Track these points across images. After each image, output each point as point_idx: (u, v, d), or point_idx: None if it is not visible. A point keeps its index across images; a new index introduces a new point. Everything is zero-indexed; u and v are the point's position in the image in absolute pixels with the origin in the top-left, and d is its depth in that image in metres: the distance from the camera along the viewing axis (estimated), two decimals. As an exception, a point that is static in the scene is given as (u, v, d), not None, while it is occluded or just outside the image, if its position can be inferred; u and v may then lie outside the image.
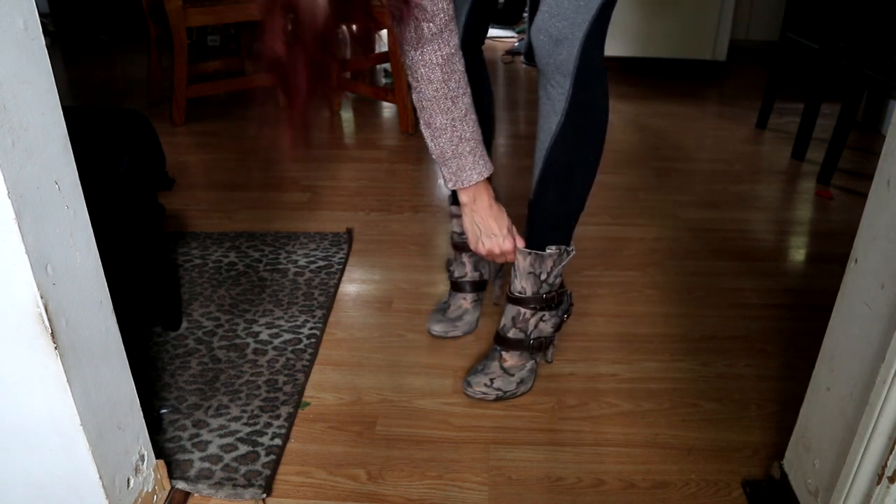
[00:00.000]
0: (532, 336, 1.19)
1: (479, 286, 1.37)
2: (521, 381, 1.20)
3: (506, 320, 1.21)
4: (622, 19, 3.31)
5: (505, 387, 1.19)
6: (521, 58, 3.69)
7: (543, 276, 1.17)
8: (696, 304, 1.47)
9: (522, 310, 1.18)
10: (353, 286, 1.55)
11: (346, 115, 2.82)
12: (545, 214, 1.17)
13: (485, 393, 1.19)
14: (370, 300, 1.49)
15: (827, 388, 0.86)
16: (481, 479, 1.03)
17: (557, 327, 1.22)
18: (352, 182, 2.12)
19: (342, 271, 1.59)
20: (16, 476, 0.81)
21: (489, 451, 1.08)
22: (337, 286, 1.53)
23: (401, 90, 2.52)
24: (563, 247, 1.17)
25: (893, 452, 0.72)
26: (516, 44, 3.99)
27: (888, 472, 0.73)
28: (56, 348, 0.71)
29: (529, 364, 1.21)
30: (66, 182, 0.73)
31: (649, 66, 3.37)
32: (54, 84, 0.70)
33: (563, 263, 1.18)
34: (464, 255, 1.35)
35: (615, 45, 3.37)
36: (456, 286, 1.38)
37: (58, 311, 0.71)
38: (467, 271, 1.36)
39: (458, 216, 1.27)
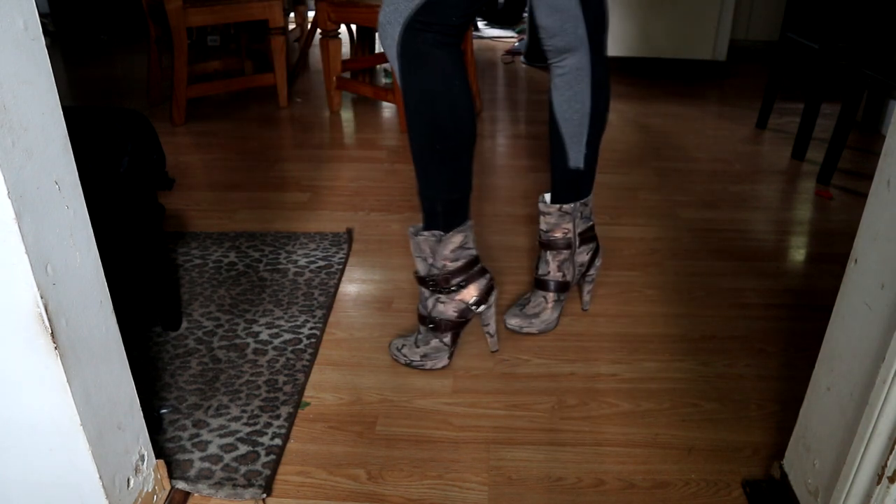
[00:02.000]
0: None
1: (562, 287, 1.36)
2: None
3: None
4: (622, 19, 3.31)
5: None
6: (521, 58, 3.69)
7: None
8: (696, 304, 1.47)
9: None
10: (353, 286, 1.55)
11: (346, 115, 2.83)
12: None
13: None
14: (370, 300, 1.49)
15: (827, 388, 0.86)
16: (481, 479, 1.03)
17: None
18: (352, 182, 2.12)
19: (342, 271, 1.59)
20: (16, 476, 0.81)
21: (489, 451, 1.08)
22: (337, 286, 1.53)
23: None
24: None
25: (893, 452, 0.72)
26: (516, 44, 3.99)
27: (888, 472, 0.73)
28: (56, 348, 0.71)
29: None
30: (66, 182, 0.73)
31: (649, 66, 3.37)
32: (54, 84, 0.70)
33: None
34: (548, 253, 1.35)
35: (615, 45, 3.37)
36: (539, 283, 1.38)
37: (58, 311, 0.71)
38: (550, 270, 1.35)
39: (545, 213, 1.32)
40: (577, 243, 1.35)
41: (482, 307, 1.24)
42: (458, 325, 1.25)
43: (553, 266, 1.35)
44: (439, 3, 1.03)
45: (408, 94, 1.10)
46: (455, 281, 1.21)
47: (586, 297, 1.43)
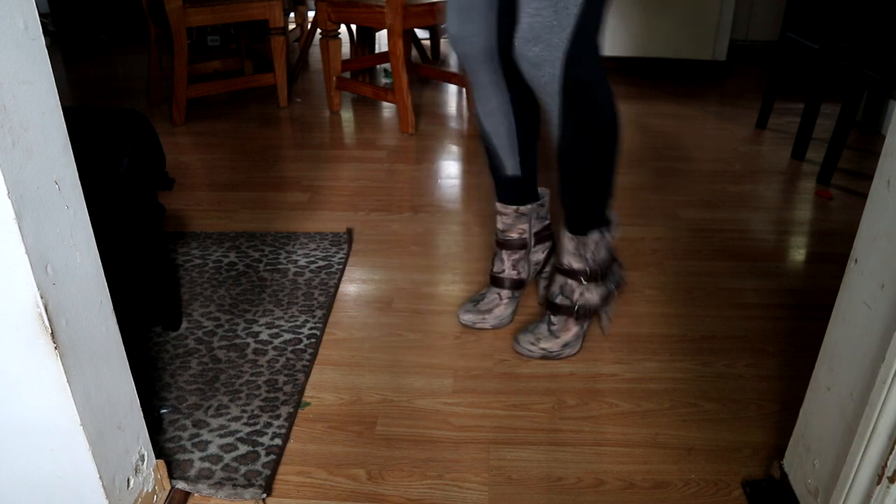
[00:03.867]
0: (578, 304, 1.27)
1: (516, 284, 1.39)
2: (567, 345, 1.28)
3: (555, 288, 1.29)
4: (622, 19, 3.31)
5: (550, 347, 1.28)
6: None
7: (589, 256, 1.24)
8: (696, 304, 1.47)
9: (569, 280, 1.27)
10: (353, 286, 1.55)
11: (346, 115, 2.83)
12: (574, 209, 1.23)
13: (530, 350, 1.28)
14: (370, 300, 1.49)
15: (827, 388, 0.86)
16: (481, 479, 1.03)
17: (606, 299, 1.30)
18: (352, 182, 2.12)
19: (342, 271, 1.59)
20: (16, 476, 0.81)
21: (489, 451, 1.08)
22: (337, 286, 1.53)
23: (401, 90, 2.52)
24: (602, 229, 1.23)
25: (893, 452, 0.72)
26: (516, 44, 3.99)
27: (888, 472, 0.73)
28: (56, 348, 0.71)
29: (575, 329, 1.28)
30: (66, 182, 0.73)
31: (649, 66, 3.37)
32: (54, 84, 0.70)
33: (605, 241, 1.25)
34: (503, 252, 1.37)
35: (615, 45, 3.37)
36: (494, 280, 1.40)
37: (58, 311, 0.71)
38: (505, 268, 1.38)
39: (502, 214, 1.34)
40: (533, 243, 1.38)
41: (620, 291, 1.31)
42: (598, 311, 1.30)
43: (508, 264, 1.37)
44: (587, 32, 1.02)
45: (571, 124, 1.10)
46: (606, 268, 1.27)
47: (542, 292, 1.45)
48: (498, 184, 1.33)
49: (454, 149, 2.40)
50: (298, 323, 1.39)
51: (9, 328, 0.70)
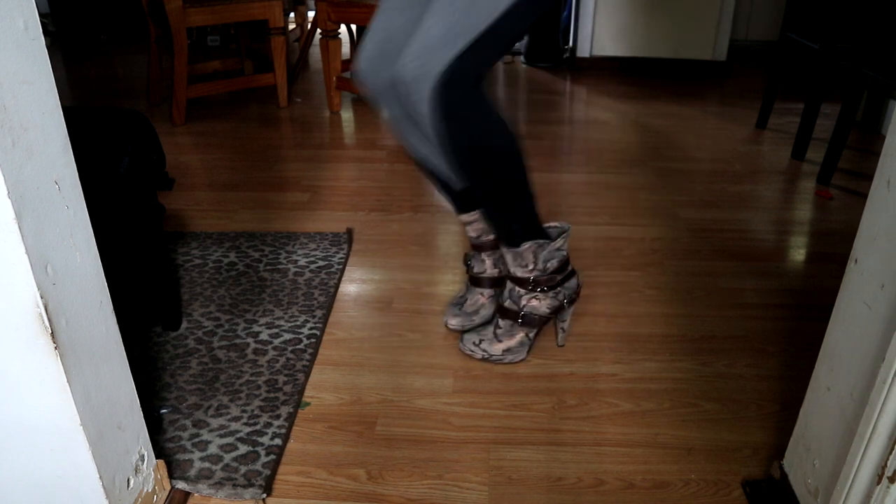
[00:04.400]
0: (523, 310, 1.26)
1: (497, 282, 1.38)
2: (509, 350, 1.27)
3: (505, 292, 1.29)
4: (622, 19, 3.31)
5: (491, 350, 1.28)
6: (521, 58, 3.70)
7: (530, 266, 1.22)
8: (696, 304, 1.47)
9: (516, 287, 1.26)
10: (353, 286, 1.55)
11: (346, 115, 2.83)
12: (497, 225, 1.22)
13: (472, 350, 1.29)
14: (370, 300, 1.49)
15: (827, 388, 0.86)
16: (481, 479, 1.03)
17: (555, 310, 1.27)
18: (352, 182, 2.12)
19: (342, 271, 1.59)
20: (16, 476, 0.81)
21: (489, 451, 1.08)
22: (337, 286, 1.53)
23: (401, 90, 2.51)
24: (538, 241, 1.20)
25: (893, 452, 0.72)
26: (517, 44, 3.99)
27: (888, 472, 0.73)
28: (56, 348, 0.71)
29: (519, 336, 1.27)
30: (66, 182, 0.73)
31: (649, 66, 3.37)
32: (54, 84, 0.70)
33: (546, 251, 1.22)
34: (482, 253, 1.37)
35: (615, 45, 3.37)
36: (474, 281, 1.39)
37: (58, 311, 0.71)
38: (486, 268, 1.37)
39: (469, 223, 1.32)
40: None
41: (573, 304, 1.29)
42: (546, 321, 1.29)
43: (489, 263, 1.37)
44: (475, 59, 0.97)
45: (454, 148, 1.05)
46: (556, 279, 1.25)
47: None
48: (454, 198, 1.29)
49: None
50: (298, 323, 1.39)
51: (9, 328, 0.70)
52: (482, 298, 1.38)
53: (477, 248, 1.36)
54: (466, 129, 1.04)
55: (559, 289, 1.26)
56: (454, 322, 1.37)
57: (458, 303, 1.40)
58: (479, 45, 0.97)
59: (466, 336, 1.31)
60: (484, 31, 0.97)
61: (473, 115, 1.04)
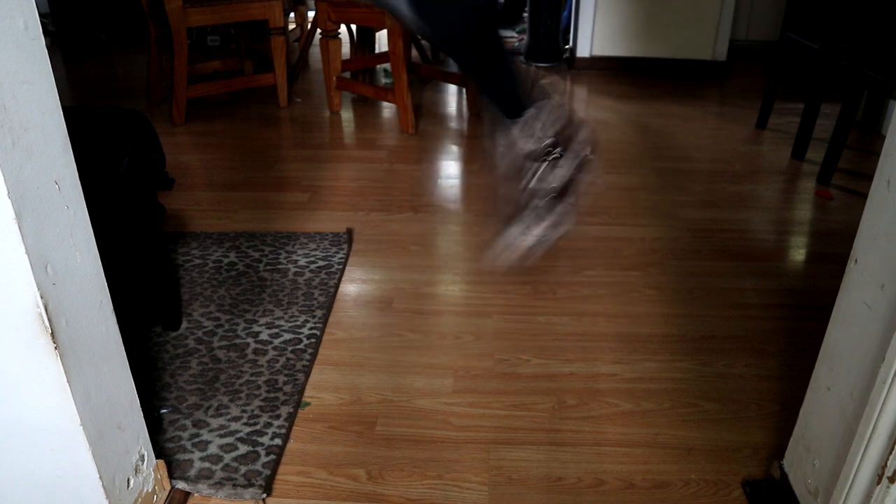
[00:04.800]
0: (552, 183, 1.20)
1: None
2: (556, 223, 1.20)
3: (529, 175, 1.20)
4: (622, 19, 3.31)
5: (539, 232, 1.19)
6: (521, 58, 3.70)
7: (537, 134, 1.17)
8: (696, 304, 1.47)
9: (536, 165, 1.19)
10: (353, 286, 1.55)
11: (346, 115, 2.83)
12: (492, 100, 1.18)
13: (518, 244, 1.19)
14: (370, 300, 1.49)
15: (827, 388, 0.86)
16: (481, 479, 1.03)
17: (579, 167, 1.21)
18: (352, 182, 2.12)
19: (342, 271, 1.59)
20: (16, 476, 0.81)
21: (489, 451, 1.08)
22: (337, 286, 1.53)
23: (401, 90, 2.52)
24: (535, 106, 1.16)
25: (893, 452, 0.72)
26: (516, 44, 3.99)
27: (888, 472, 0.73)
28: (56, 348, 0.71)
29: (560, 208, 1.20)
30: (66, 182, 0.73)
31: (649, 66, 3.37)
32: (54, 84, 0.70)
33: (545, 112, 1.17)
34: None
35: (615, 45, 3.37)
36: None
37: (58, 311, 0.71)
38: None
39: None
40: None
41: (592, 156, 1.22)
42: (575, 182, 1.21)
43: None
44: None
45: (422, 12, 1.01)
46: (568, 136, 1.19)
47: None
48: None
49: (454, 149, 2.40)
50: (298, 323, 1.39)
51: (9, 328, 0.70)
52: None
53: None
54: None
55: (573, 145, 1.21)
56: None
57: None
58: None
59: (510, 232, 1.20)
60: None
61: None
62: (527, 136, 1.17)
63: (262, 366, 1.26)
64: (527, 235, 1.19)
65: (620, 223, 1.84)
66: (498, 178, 1.28)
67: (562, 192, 1.21)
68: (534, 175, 1.21)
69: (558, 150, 1.19)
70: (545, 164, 1.20)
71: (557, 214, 1.20)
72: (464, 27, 1.07)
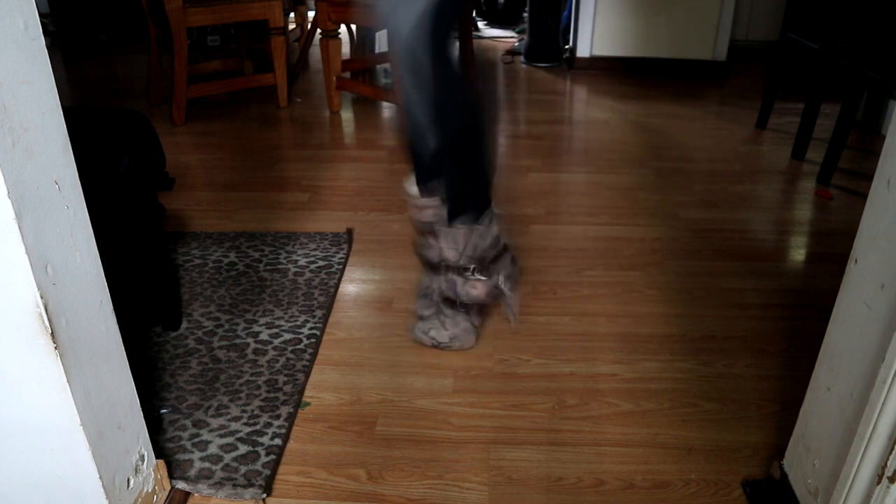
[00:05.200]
0: (461, 297, 1.29)
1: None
2: (455, 338, 1.31)
3: (442, 279, 1.31)
4: (622, 19, 3.31)
5: (438, 338, 1.31)
6: (521, 58, 3.69)
7: (460, 248, 1.26)
8: (696, 304, 1.47)
9: (450, 273, 1.29)
10: (353, 286, 1.55)
11: (346, 115, 2.83)
12: (446, 195, 1.24)
13: (421, 338, 1.33)
14: (370, 300, 1.49)
15: (827, 388, 0.86)
16: (481, 479, 1.03)
17: (492, 294, 1.31)
18: (352, 182, 2.12)
19: (342, 271, 1.59)
20: (16, 476, 0.81)
21: (489, 451, 1.08)
22: (337, 286, 1.53)
23: (401, 90, 2.51)
24: (469, 222, 1.24)
25: (893, 452, 0.72)
26: (516, 44, 4.00)
27: (888, 472, 0.73)
28: (56, 348, 0.71)
29: (464, 324, 1.31)
30: (66, 182, 0.73)
31: (649, 66, 3.37)
32: (54, 84, 0.70)
33: (475, 234, 1.25)
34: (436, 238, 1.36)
35: (615, 45, 3.37)
36: (435, 268, 1.37)
37: (58, 311, 0.71)
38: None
39: (429, 207, 1.30)
40: None
41: (511, 288, 1.31)
42: (486, 306, 1.32)
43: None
44: (435, 13, 1.06)
45: (417, 101, 1.13)
46: (490, 265, 1.28)
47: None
48: (423, 175, 1.29)
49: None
50: (298, 323, 1.39)
51: (9, 328, 0.70)
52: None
53: (431, 233, 1.35)
54: (427, 82, 1.10)
55: (492, 271, 1.29)
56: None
57: (428, 293, 1.40)
58: (437, 7, 1.05)
59: (418, 324, 1.33)
60: None
61: (430, 72, 1.10)
62: (450, 245, 1.25)
63: (262, 366, 1.26)
64: (425, 336, 1.32)
65: (620, 223, 1.84)
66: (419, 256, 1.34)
67: (466, 310, 1.30)
68: (446, 283, 1.30)
69: (474, 272, 1.27)
70: (460, 279, 1.29)
71: (459, 331, 1.31)
72: (461, 133, 1.17)
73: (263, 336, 1.35)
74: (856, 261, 0.79)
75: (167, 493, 0.98)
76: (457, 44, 1.29)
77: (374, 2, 1.12)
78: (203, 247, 1.69)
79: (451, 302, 1.30)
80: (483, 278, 1.28)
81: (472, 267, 1.26)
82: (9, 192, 0.63)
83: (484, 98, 1.21)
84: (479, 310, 1.32)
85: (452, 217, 1.23)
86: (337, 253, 1.66)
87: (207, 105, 2.88)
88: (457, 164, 1.21)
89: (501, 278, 1.30)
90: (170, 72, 2.64)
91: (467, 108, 1.18)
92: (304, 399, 1.20)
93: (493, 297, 1.30)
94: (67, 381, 0.73)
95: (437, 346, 1.31)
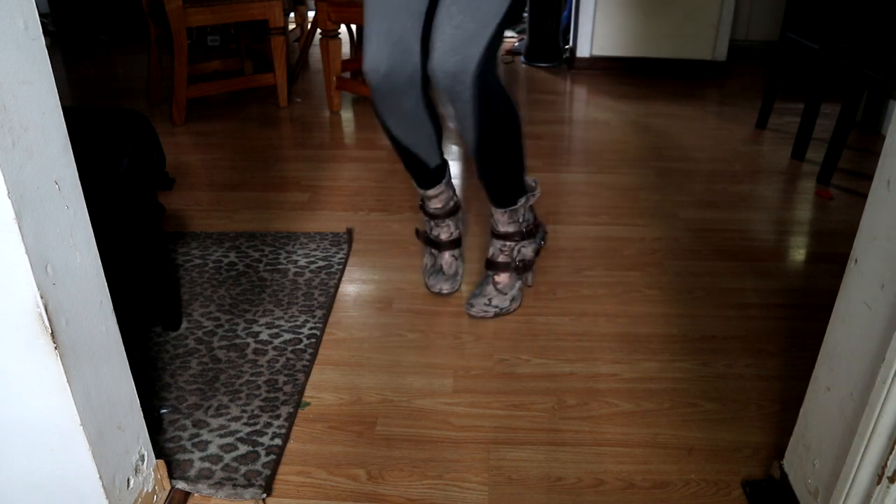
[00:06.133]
0: (517, 259, 1.43)
1: (458, 242, 1.54)
2: (513, 299, 1.43)
3: (493, 250, 1.44)
4: (622, 19, 3.31)
5: (501, 304, 1.42)
6: (521, 58, 3.69)
7: (520, 219, 1.41)
8: (696, 304, 1.47)
9: (507, 242, 1.42)
10: (353, 286, 1.55)
11: (346, 115, 2.83)
12: (500, 189, 1.36)
13: (485, 311, 1.41)
14: (370, 300, 1.49)
15: (827, 388, 0.86)
16: (481, 479, 1.03)
17: (537, 252, 1.48)
18: (352, 182, 2.12)
19: (342, 271, 1.59)
20: (16, 476, 0.81)
21: (489, 451, 1.08)
22: (337, 286, 1.53)
23: (401, 90, 2.51)
24: (528, 195, 1.40)
25: (893, 452, 0.72)
26: (516, 44, 3.99)
27: (888, 472, 0.73)
28: (56, 348, 0.71)
29: (517, 284, 1.44)
30: (66, 182, 0.73)
31: (649, 66, 3.37)
32: (54, 84, 0.70)
33: (530, 203, 1.42)
34: (448, 219, 1.50)
35: (615, 46, 3.37)
36: (443, 245, 1.52)
37: (58, 311, 0.71)
38: (452, 231, 1.51)
39: (434, 196, 1.45)
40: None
41: (543, 242, 1.51)
42: (533, 263, 1.47)
43: (453, 227, 1.52)
44: (496, 44, 1.15)
45: (484, 123, 1.21)
46: (535, 224, 1.45)
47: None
48: (423, 175, 1.41)
49: (454, 149, 2.40)
50: (298, 323, 1.39)
51: (9, 328, 0.70)
52: (455, 260, 1.52)
53: (442, 216, 1.48)
54: (493, 106, 1.20)
55: (537, 231, 1.47)
56: (447, 287, 1.49)
57: (436, 270, 1.51)
58: (496, 34, 1.14)
59: (475, 301, 1.42)
60: (499, 22, 1.13)
61: (497, 92, 1.21)
62: (510, 221, 1.40)
63: (262, 366, 1.26)
64: (489, 307, 1.41)
65: (620, 223, 1.84)
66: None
67: (522, 269, 1.44)
68: (500, 251, 1.44)
69: (528, 235, 1.43)
70: (514, 244, 1.42)
71: (515, 292, 1.44)
72: (510, 137, 1.28)
73: (263, 336, 1.35)
74: (856, 261, 0.79)
75: (167, 493, 0.98)
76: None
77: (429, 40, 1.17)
78: (203, 247, 1.69)
79: (505, 266, 1.42)
80: (532, 239, 1.44)
81: (526, 231, 1.41)
82: (9, 192, 0.63)
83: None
84: (529, 268, 1.45)
85: (513, 199, 1.37)
86: (337, 253, 1.66)
87: (207, 105, 2.88)
88: (515, 155, 1.32)
89: (541, 239, 1.49)
90: (170, 72, 2.64)
91: (516, 111, 1.27)
92: (304, 399, 1.20)
93: (537, 253, 1.47)
94: (67, 381, 0.73)
95: (500, 313, 1.41)
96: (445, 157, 1.43)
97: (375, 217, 1.88)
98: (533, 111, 2.88)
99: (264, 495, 0.99)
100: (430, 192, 1.43)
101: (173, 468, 1.03)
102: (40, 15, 0.68)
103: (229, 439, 1.09)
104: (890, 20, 1.98)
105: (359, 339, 1.36)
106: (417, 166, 1.38)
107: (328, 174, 2.18)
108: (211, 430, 1.11)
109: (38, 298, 0.69)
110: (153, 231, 1.30)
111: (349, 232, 1.78)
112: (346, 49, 3.61)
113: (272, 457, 1.06)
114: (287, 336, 1.35)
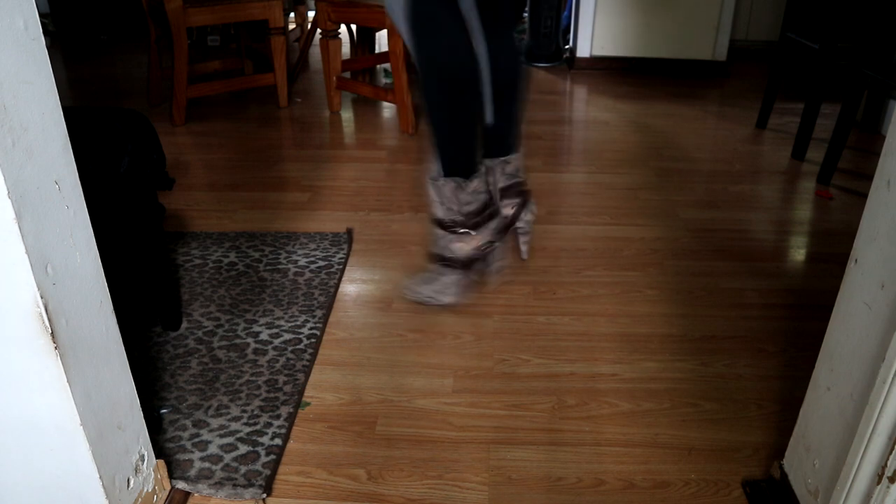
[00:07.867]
0: (446, 253, 1.38)
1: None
2: (439, 291, 1.40)
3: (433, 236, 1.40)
4: (622, 19, 3.31)
5: (422, 291, 1.40)
6: (521, 58, 3.69)
7: (447, 205, 1.35)
8: (696, 304, 1.47)
9: (439, 229, 1.38)
10: (353, 286, 1.55)
11: (346, 115, 2.83)
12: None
13: (405, 293, 1.41)
14: (370, 300, 1.49)
15: (827, 388, 0.86)
16: (481, 479, 1.03)
17: (482, 251, 1.39)
18: (352, 182, 2.12)
19: (342, 271, 1.59)
20: (16, 476, 0.81)
21: (489, 451, 1.08)
22: (337, 286, 1.53)
23: (401, 90, 2.52)
24: (456, 179, 1.32)
25: (893, 452, 0.72)
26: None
27: (888, 472, 0.73)
28: (56, 348, 0.71)
29: (452, 277, 1.40)
30: (66, 182, 0.73)
31: (649, 66, 3.37)
32: (54, 84, 0.70)
33: (465, 193, 1.33)
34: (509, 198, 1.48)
35: (615, 46, 3.37)
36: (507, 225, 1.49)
37: (58, 311, 0.71)
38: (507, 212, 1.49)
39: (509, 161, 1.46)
40: (499, 197, 1.47)
41: (496, 244, 1.39)
42: (474, 261, 1.40)
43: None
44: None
45: (423, 56, 1.18)
46: (476, 221, 1.34)
47: (523, 248, 1.55)
48: (472, 161, 1.34)
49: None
50: (298, 323, 1.39)
51: (9, 328, 0.70)
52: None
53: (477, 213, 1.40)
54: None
55: (483, 229, 1.37)
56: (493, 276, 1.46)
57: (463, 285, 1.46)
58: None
59: (408, 282, 1.42)
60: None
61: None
62: (439, 201, 1.32)
63: (262, 366, 1.26)
64: (408, 291, 1.40)
65: (620, 223, 1.84)
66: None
67: (449, 265, 1.37)
68: (437, 239, 1.37)
69: (464, 228, 1.34)
70: (449, 235, 1.35)
71: (440, 286, 1.38)
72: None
73: (263, 336, 1.35)
74: (856, 261, 0.79)
75: (167, 493, 0.98)
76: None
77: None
78: (203, 247, 1.69)
79: (435, 257, 1.38)
80: (473, 235, 1.34)
81: (457, 223, 1.33)
82: (9, 192, 0.63)
83: (479, 64, 1.31)
84: (460, 266, 1.38)
85: (442, 173, 1.31)
86: (337, 253, 1.66)
87: (207, 105, 2.88)
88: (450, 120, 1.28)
89: (491, 238, 1.39)
90: (170, 72, 2.64)
91: (461, 67, 1.24)
92: (304, 399, 1.20)
93: (482, 253, 1.36)
94: (67, 381, 0.73)
95: (421, 301, 1.39)
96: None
97: (375, 217, 1.88)
98: (533, 111, 2.88)
99: (264, 495, 0.99)
100: (494, 162, 1.43)
101: (173, 468, 1.03)
102: (40, 15, 0.68)
103: (229, 439, 1.09)
104: (890, 20, 1.98)
105: (359, 339, 1.36)
106: (472, 143, 1.35)
107: (328, 174, 2.18)
108: (211, 430, 1.11)
109: (38, 298, 0.69)
110: (153, 231, 1.30)
111: (349, 232, 1.78)
112: (346, 49, 3.61)
113: (272, 457, 1.06)
114: (287, 336, 1.35)
